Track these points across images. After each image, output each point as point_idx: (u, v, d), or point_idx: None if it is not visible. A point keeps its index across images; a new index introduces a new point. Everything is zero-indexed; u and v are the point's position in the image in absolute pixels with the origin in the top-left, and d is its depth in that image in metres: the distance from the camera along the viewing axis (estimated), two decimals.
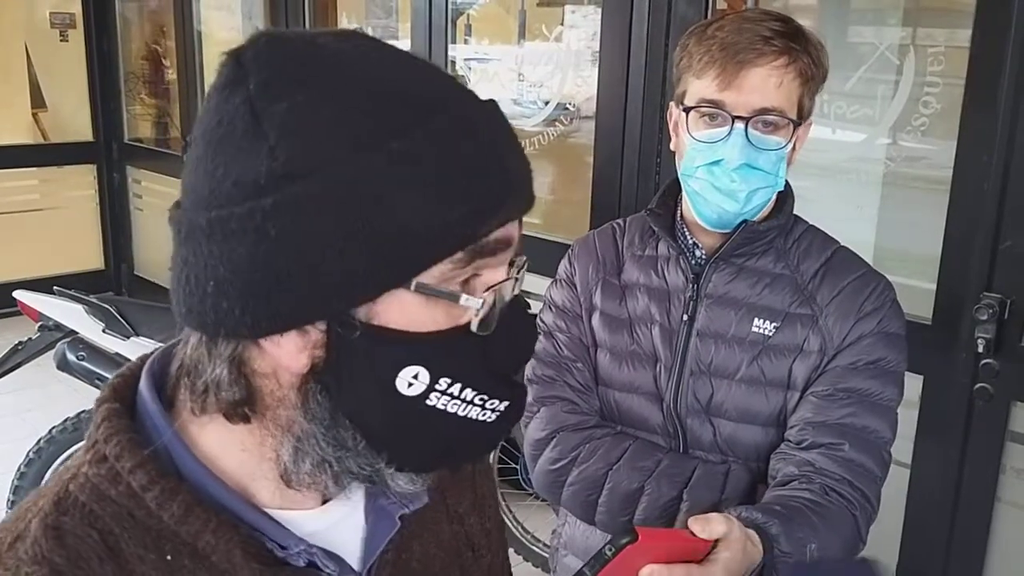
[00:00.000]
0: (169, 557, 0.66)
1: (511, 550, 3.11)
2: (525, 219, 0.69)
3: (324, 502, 0.74)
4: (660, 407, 1.42)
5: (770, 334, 1.37)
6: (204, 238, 0.61)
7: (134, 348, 2.93)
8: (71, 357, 2.90)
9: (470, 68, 3.92)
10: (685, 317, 1.40)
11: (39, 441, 2.95)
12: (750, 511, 1.16)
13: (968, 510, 2.38)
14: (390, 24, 4.77)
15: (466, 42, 4.01)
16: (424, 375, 0.65)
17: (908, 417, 2.38)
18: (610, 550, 0.86)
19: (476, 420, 0.69)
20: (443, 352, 0.66)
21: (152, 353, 0.76)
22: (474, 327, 0.66)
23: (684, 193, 1.40)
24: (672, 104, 1.39)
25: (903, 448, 2.41)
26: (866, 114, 2.56)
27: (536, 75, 3.69)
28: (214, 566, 0.67)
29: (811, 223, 1.46)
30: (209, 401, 0.67)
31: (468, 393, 0.67)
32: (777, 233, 1.40)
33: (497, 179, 0.64)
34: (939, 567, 2.44)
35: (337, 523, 0.75)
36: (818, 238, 1.44)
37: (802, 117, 1.33)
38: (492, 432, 0.72)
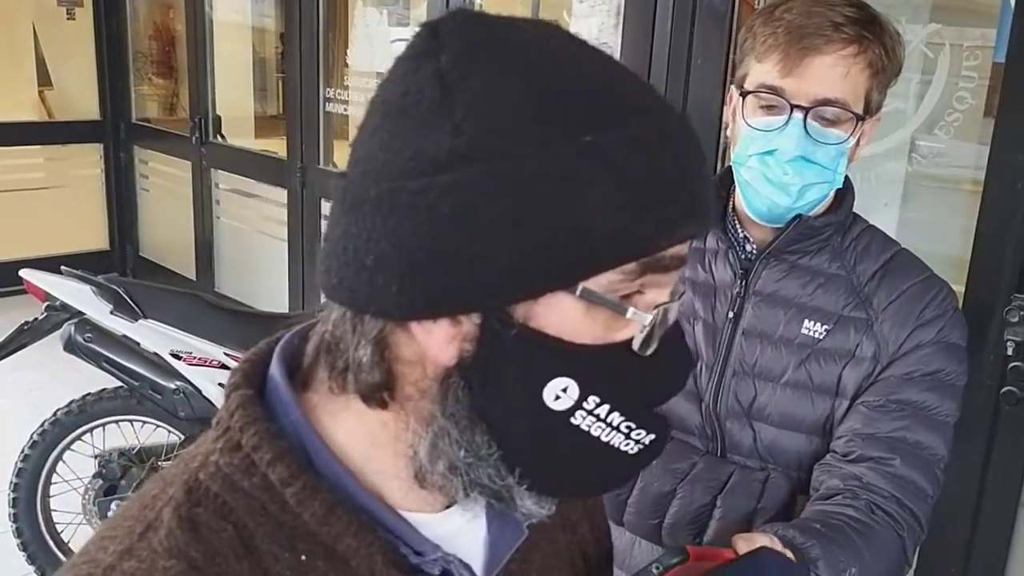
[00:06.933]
0: (304, 557, 0.63)
1: None
2: None
3: (447, 507, 0.70)
4: (699, 407, 1.35)
5: (820, 337, 1.30)
6: (371, 210, 0.58)
7: (142, 330, 2.88)
8: (78, 338, 2.85)
9: None
10: (731, 315, 1.34)
11: (44, 423, 2.90)
12: (789, 530, 1.10)
13: (990, 515, 2.33)
14: (402, 11, 4.71)
15: None
16: (573, 390, 0.61)
17: None
18: (657, 568, 0.84)
19: (618, 449, 0.65)
20: (597, 368, 0.62)
21: (282, 336, 0.71)
22: (636, 345, 0.63)
23: (736, 182, 1.33)
24: (732, 87, 1.32)
25: None
26: (898, 108, 2.51)
27: None
28: (351, 570, 0.63)
29: (871, 223, 1.39)
30: (348, 380, 0.64)
31: (615, 417, 0.63)
32: (834, 231, 1.32)
33: (687, 195, 0.60)
34: (959, 573, 2.40)
35: (461, 528, 0.71)
36: (878, 238, 1.36)
37: (869, 112, 1.25)
38: (632, 466, 0.68)
